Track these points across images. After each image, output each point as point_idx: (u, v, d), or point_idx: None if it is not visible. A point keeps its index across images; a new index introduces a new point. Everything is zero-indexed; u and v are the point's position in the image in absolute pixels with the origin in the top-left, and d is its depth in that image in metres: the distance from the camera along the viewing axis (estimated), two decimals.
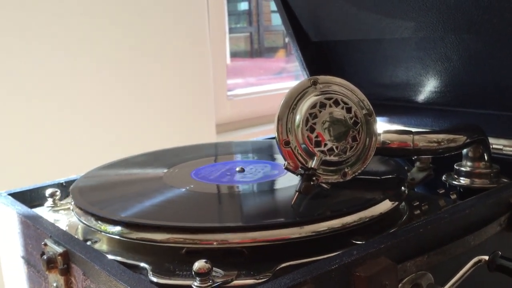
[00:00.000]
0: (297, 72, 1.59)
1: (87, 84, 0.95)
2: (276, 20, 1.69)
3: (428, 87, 0.68)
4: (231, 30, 1.45)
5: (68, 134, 0.93)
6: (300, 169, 0.44)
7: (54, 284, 0.41)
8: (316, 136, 0.44)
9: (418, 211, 0.47)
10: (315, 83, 0.46)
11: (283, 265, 0.38)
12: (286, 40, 1.72)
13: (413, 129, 0.52)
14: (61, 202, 0.54)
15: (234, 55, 1.51)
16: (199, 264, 0.33)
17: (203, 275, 0.33)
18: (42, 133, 0.90)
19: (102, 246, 0.44)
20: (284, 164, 0.44)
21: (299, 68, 0.79)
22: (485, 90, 0.62)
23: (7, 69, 0.85)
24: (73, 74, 0.93)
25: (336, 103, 0.45)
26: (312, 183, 0.43)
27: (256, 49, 1.63)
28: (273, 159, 0.60)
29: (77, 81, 0.94)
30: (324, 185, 0.45)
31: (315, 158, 0.44)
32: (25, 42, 0.87)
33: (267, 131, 1.27)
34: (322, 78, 0.46)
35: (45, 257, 0.40)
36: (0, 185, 0.59)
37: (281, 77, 1.64)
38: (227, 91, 1.30)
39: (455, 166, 0.56)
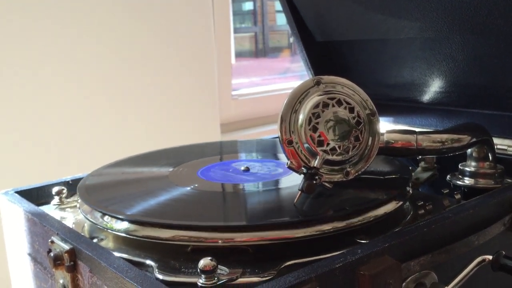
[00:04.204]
0: (302, 72, 1.59)
1: (93, 83, 0.95)
2: (281, 20, 1.69)
3: (433, 88, 0.68)
4: (235, 30, 1.45)
5: (74, 133, 0.93)
6: (302, 168, 0.44)
7: (61, 281, 0.42)
8: (319, 136, 0.44)
9: (423, 211, 0.47)
10: (318, 83, 0.46)
11: (288, 263, 0.38)
12: (291, 40, 1.72)
13: (418, 129, 0.52)
14: (68, 200, 0.54)
15: (239, 55, 1.51)
16: (205, 262, 0.34)
17: (208, 272, 0.34)
18: (48, 131, 0.90)
19: (108, 243, 0.44)
20: (287, 163, 0.45)
21: (304, 68, 0.79)
22: (490, 91, 0.62)
23: (15, 68, 0.86)
24: (80, 73, 0.94)
25: (339, 103, 0.45)
26: (314, 182, 0.43)
27: (261, 49, 1.63)
28: (278, 158, 0.60)
29: (83, 80, 0.94)
30: (326, 184, 0.45)
31: (318, 157, 0.44)
32: (40, 38, 0.87)
33: (272, 131, 1.27)
34: (325, 78, 0.46)
35: (52, 254, 0.41)
36: (7, 183, 0.60)
37: (285, 77, 1.64)
38: (231, 90, 1.30)
39: (459, 166, 0.56)
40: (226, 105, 1.27)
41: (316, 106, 0.44)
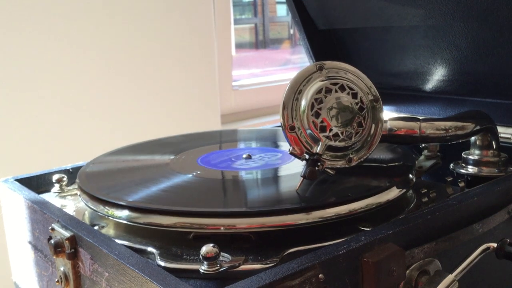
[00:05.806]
0: (303, 63, 1.58)
1: (95, 73, 0.95)
2: (281, 11, 1.68)
3: (436, 76, 0.67)
4: (236, 21, 1.45)
5: (76, 122, 0.93)
6: (305, 154, 0.44)
7: (62, 269, 0.41)
8: (321, 122, 0.43)
9: (426, 199, 0.47)
10: (321, 68, 0.45)
11: (291, 250, 0.38)
12: (291, 31, 1.71)
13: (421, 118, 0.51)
14: (68, 188, 0.54)
15: (239, 46, 1.51)
16: (207, 249, 0.33)
17: (210, 259, 0.33)
18: (49, 119, 0.90)
19: (109, 231, 0.44)
20: (289, 149, 0.44)
21: (304, 60, 0.78)
22: (494, 79, 0.62)
23: (17, 56, 0.85)
24: (83, 63, 0.93)
25: (342, 88, 0.44)
26: (317, 168, 0.43)
27: (261, 41, 1.63)
28: (279, 146, 0.60)
29: (86, 70, 0.93)
30: (329, 170, 0.44)
31: (320, 143, 0.43)
32: (39, 32, 0.87)
33: (272, 122, 1.27)
34: (328, 63, 0.46)
35: (52, 242, 0.40)
36: (7, 171, 0.60)
37: (286, 69, 1.63)
38: (232, 82, 1.30)
39: (463, 155, 0.55)
40: (226, 96, 1.27)
41: (319, 91, 0.44)
